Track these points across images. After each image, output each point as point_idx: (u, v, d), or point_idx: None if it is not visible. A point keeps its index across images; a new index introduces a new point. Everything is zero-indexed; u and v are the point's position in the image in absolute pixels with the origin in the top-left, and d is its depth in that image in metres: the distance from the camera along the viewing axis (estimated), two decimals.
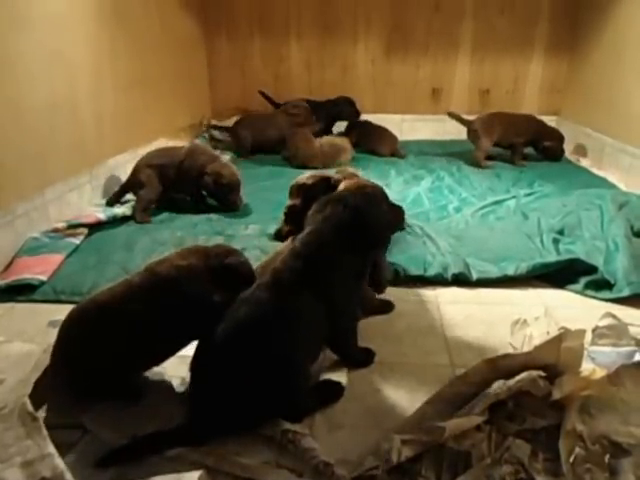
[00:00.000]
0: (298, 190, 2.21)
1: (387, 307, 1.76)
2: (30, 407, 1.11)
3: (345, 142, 3.71)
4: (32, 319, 1.68)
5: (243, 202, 2.76)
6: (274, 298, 1.23)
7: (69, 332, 1.29)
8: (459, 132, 3.90)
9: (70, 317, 1.31)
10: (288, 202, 2.26)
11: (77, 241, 2.25)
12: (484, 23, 4.28)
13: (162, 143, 3.55)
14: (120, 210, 2.61)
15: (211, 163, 2.69)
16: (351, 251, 1.32)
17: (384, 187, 2.93)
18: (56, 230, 2.26)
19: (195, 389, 1.23)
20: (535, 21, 4.26)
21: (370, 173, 3.34)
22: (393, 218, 2.10)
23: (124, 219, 2.56)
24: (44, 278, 1.91)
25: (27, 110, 2.20)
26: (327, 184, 2.06)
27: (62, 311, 1.71)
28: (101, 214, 2.51)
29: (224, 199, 2.69)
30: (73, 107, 2.55)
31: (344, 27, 4.38)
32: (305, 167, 3.41)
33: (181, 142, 3.89)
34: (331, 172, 2.28)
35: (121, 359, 1.25)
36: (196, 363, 1.24)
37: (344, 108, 4.15)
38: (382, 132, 4.00)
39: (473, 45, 4.36)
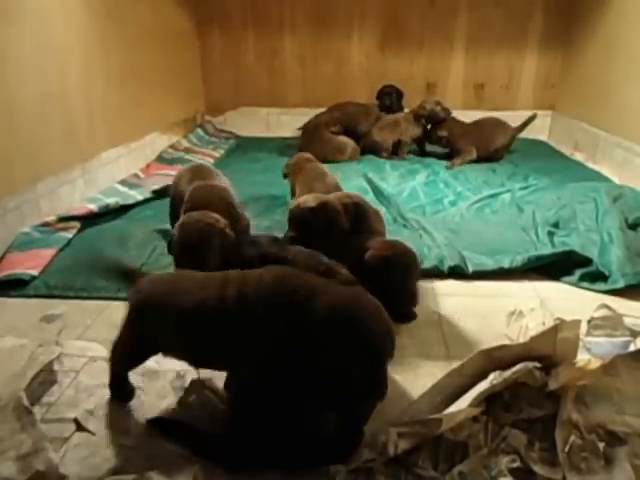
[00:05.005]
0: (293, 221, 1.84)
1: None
2: (25, 401, 1.10)
3: (349, 141, 3.74)
4: (25, 314, 1.66)
5: None
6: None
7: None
8: None
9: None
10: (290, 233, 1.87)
11: (69, 235, 2.22)
12: (479, 17, 4.28)
13: (155, 137, 3.53)
14: (112, 200, 2.57)
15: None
16: None
17: (380, 181, 2.99)
18: (47, 224, 2.23)
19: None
20: (529, 15, 4.26)
21: (366, 168, 3.36)
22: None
23: (117, 211, 2.53)
24: (35, 273, 1.89)
25: (18, 103, 2.17)
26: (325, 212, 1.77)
27: (55, 306, 1.72)
28: (92, 205, 2.48)
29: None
30: (64, 100, 2.52)
31: (338, 21, 4.35)
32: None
33: (175, 136, 3.87)
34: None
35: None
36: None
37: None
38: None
39: (468, 39, 4.35)
